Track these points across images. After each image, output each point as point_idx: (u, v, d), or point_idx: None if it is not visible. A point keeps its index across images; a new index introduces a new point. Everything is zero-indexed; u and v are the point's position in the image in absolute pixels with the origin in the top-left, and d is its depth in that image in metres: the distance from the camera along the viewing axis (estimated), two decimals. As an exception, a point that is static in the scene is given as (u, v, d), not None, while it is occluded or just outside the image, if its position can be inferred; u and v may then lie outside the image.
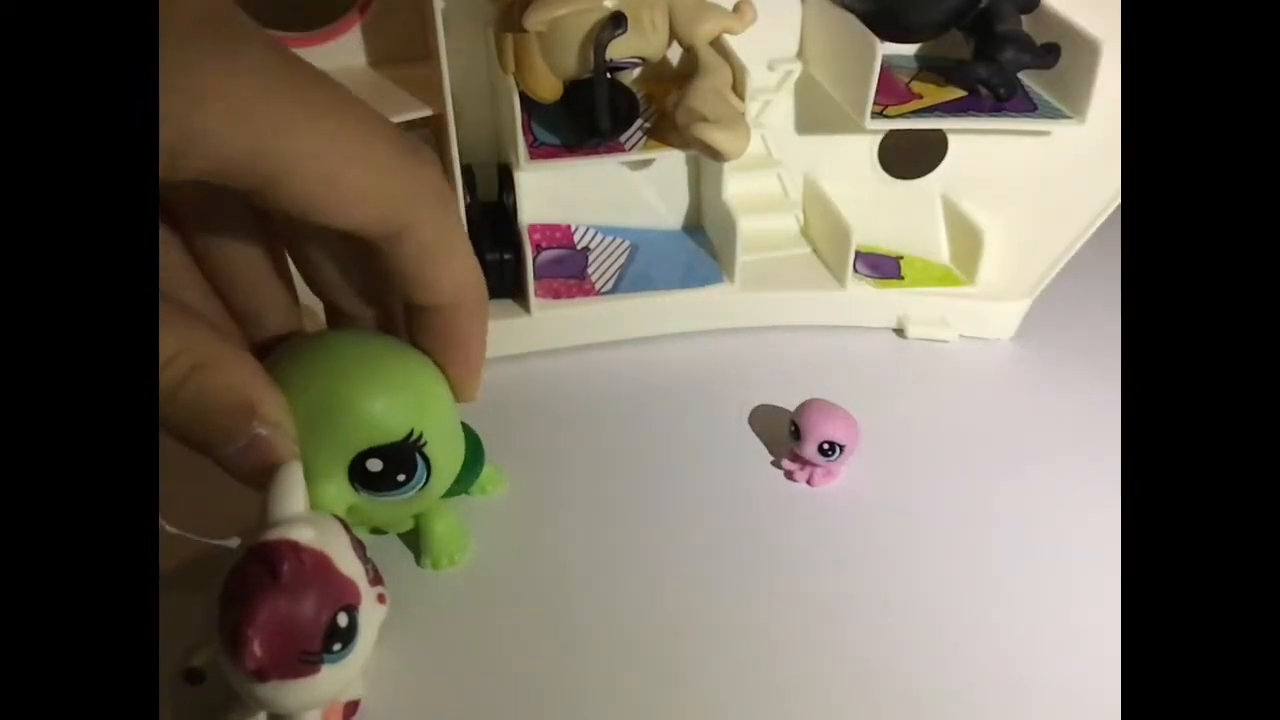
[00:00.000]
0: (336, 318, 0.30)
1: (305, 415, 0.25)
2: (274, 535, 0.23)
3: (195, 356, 0.23)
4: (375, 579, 0.26)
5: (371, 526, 0.31)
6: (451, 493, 0.30)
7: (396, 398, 0.26)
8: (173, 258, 0.27)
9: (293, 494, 0.24)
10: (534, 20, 0.32)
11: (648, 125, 0.37)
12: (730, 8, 0.36)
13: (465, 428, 0.31)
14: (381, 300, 0.29)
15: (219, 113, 0.21)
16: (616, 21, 0.33)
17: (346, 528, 0.25)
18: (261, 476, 0.25)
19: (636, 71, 0.39)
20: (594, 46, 0.33)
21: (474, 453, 0.31)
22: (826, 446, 0.33)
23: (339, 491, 0.26)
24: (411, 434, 0.26)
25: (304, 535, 0.23)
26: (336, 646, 0.23)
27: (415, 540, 0.31)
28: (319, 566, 0.23)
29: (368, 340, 0.28)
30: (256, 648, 0.22)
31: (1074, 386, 0.39)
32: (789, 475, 0.35)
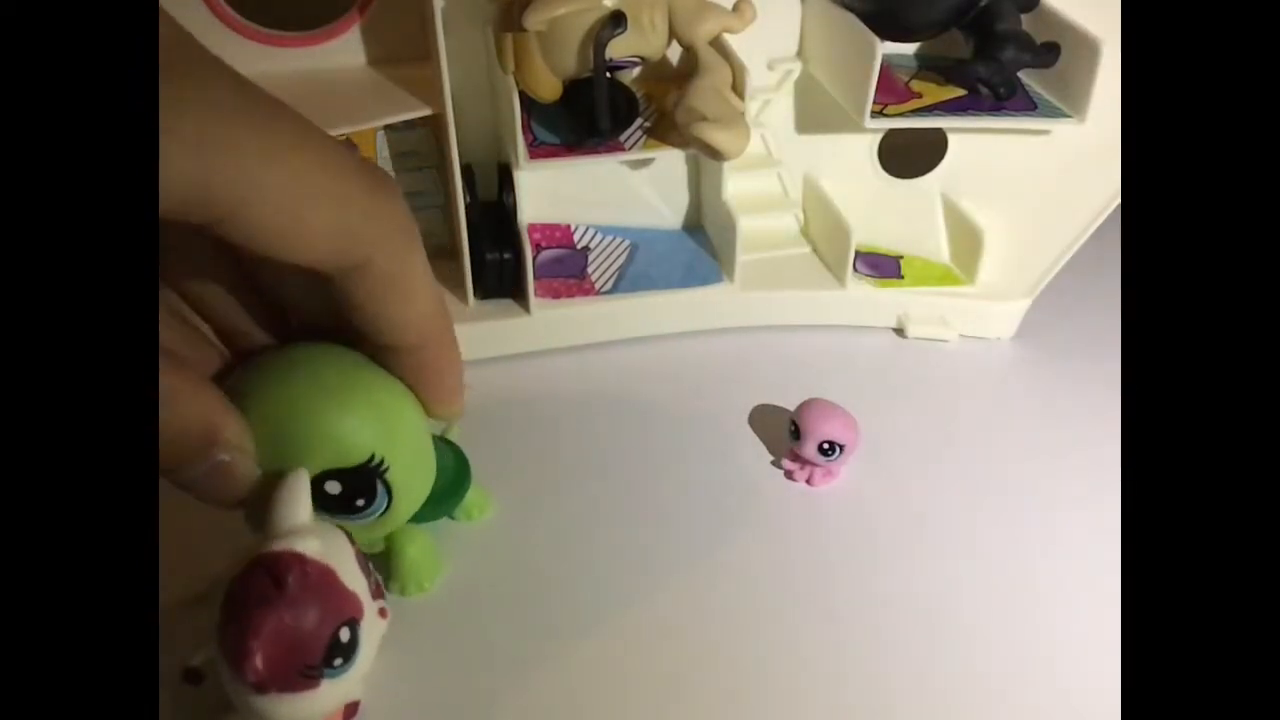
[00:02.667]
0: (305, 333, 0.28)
1: (266, 433, 0.25)
2: (280, 546, 0.23)
3: (159, 388, 0.22)
4: (378, 592, 0.25)
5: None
6: (431, 516, 0.29)
7: (358, 420, 0.25)
8: None
9: (299, 504, 0.24)
10: (534, 20, 0.32)
11: (647, 125, 0.37)
12: (730, 7, 0.36)
13: (453, 448, 0.30)
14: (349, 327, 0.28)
15: (168, 149, 0.20)
16: (616, 21, 0.33)
17: (351, 540, 0.25)
18: (222, 499, 0.24)
19: (636, 71, 0.39)
20: (594, 46, 0.33)
21: (458, 475, 0.30)
22: (826, 446, 0.33)
23: None
24: (372, 459, 0.25)
25: (310, 547, 0.23)
26: (337, 661, 0.23)
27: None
28: (324, 580, 0.23)
29: (334, 357, 0.26)
30: (259, 660, 0.21)
31: (1074, 386, 0.39)
32: (789, 475, 0.35)
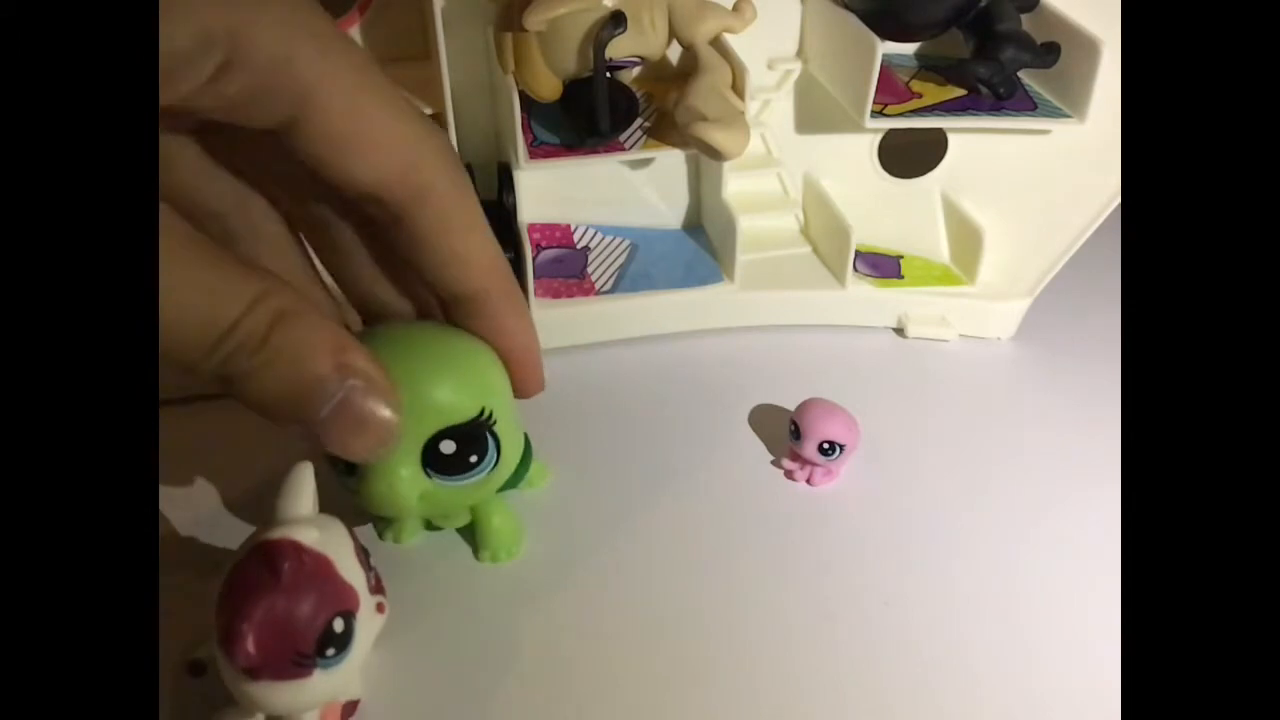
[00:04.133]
0: (371, 316, 0.29)
1: None
2: (278, 534, 0.23)
3: (280, 301, 0.22)
4: (376, 587, 0.26)
5: (430, 520, 0.31)
6: (504, 487, 0.30)
7: (465, 378, 0.27)
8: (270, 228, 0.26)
9: (302, 494, 0.24)
10: (534, 19, 0.32)
11: (647, 124, 0.37)
12: (730, 7, 0.36)
13: None
14: (414, 293, 0.29)
15: (268, 22, 0.21)
16: (616, 21, 0.33)
17: (352, 533, 0.25)
18: (358, 438, 0.23)
19: (636, 71, 0.39)
20: (594, 46, 0.33)
21: (526, 443, 0.31)
22: (826, 446, 0.33)
23: (412, 476, 0.27)
24: (483, 412, 0.27)
25: (308, 536, 0.23)
26: (330, 651, 0.23)
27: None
28: (320, 569, 0.23)
29: (421, 327, 0.28)
30: (250, 644, 0.22)
31: (1074, 386, 0.39)
32: (789, 475, 0.35)
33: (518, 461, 0.29)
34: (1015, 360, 0.41)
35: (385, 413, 0.23)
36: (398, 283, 0.28)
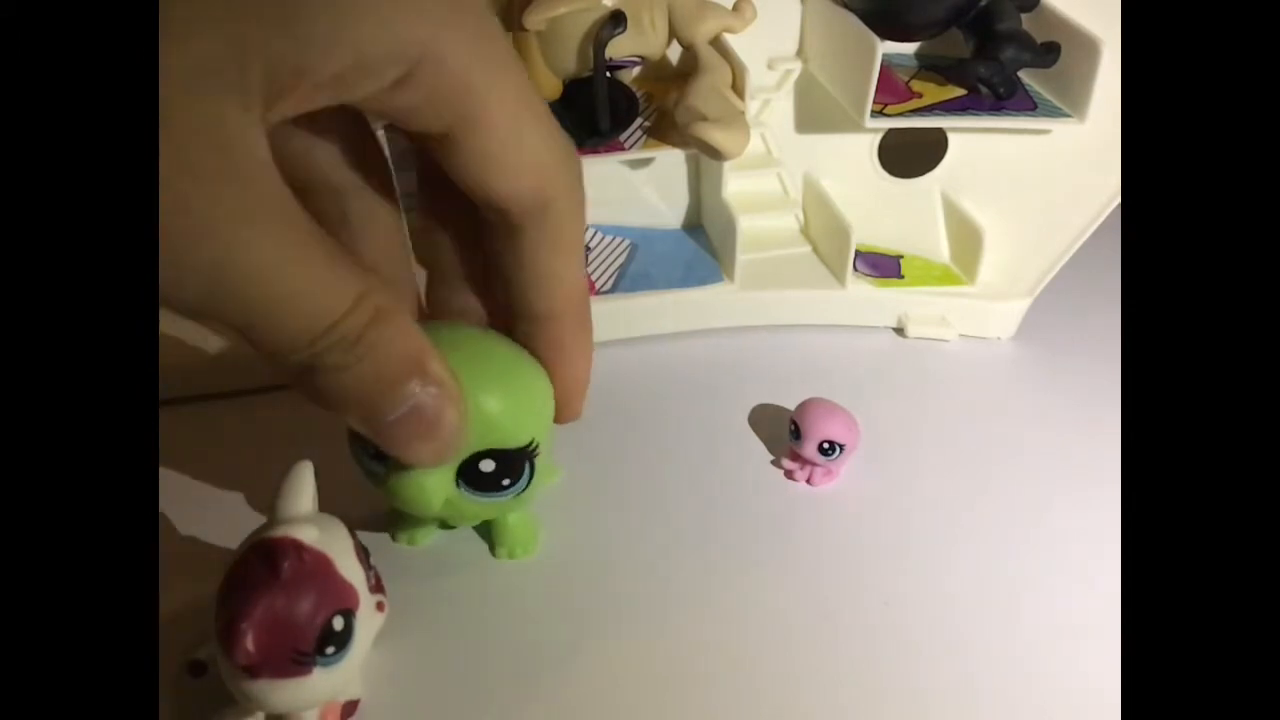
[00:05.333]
0: (438, 312, 0.29)
1: None
2: (278, 532, 0.23)
3: (378, 301, 0.22)
4: (376, 586, 0.26)
5: (444, 522, 0.31)
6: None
7: (523, 404, 0.26)
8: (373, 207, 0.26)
9: (302, 493, 0.24)
10: (533, 19, 0.32)
11: (647, 124, 0.37)
12: (730, 7, 0.36)
13: None
14: (488, 298, 0.28)
15: (457, 42, 0.21)
16: (616, 20, 0.33)
17: (351, 532, 0.25)
18: (424, 444, 0.24)
19: (636, 70, 0.39)
20: (593, 45, 0.33)
21: None
22: (826, 446, 0.33)
23: (442, 484, 0.27)
24: (531, 442, 0.27)
25: (308, 535, 0.23)
26: (330, 650, 0.23)
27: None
28: (320, 567, 0.23)
29: (488, 339, 0.27)
30: (249, 642, 0.22)
31: (1074, 386, 0.39)
32: (789, 475, 0.35)
33: (543, 483, 0.29)
34: (1015, 360, 0.41)
35: (455, 423, 0.24)
36: (477, 285, 0.28)
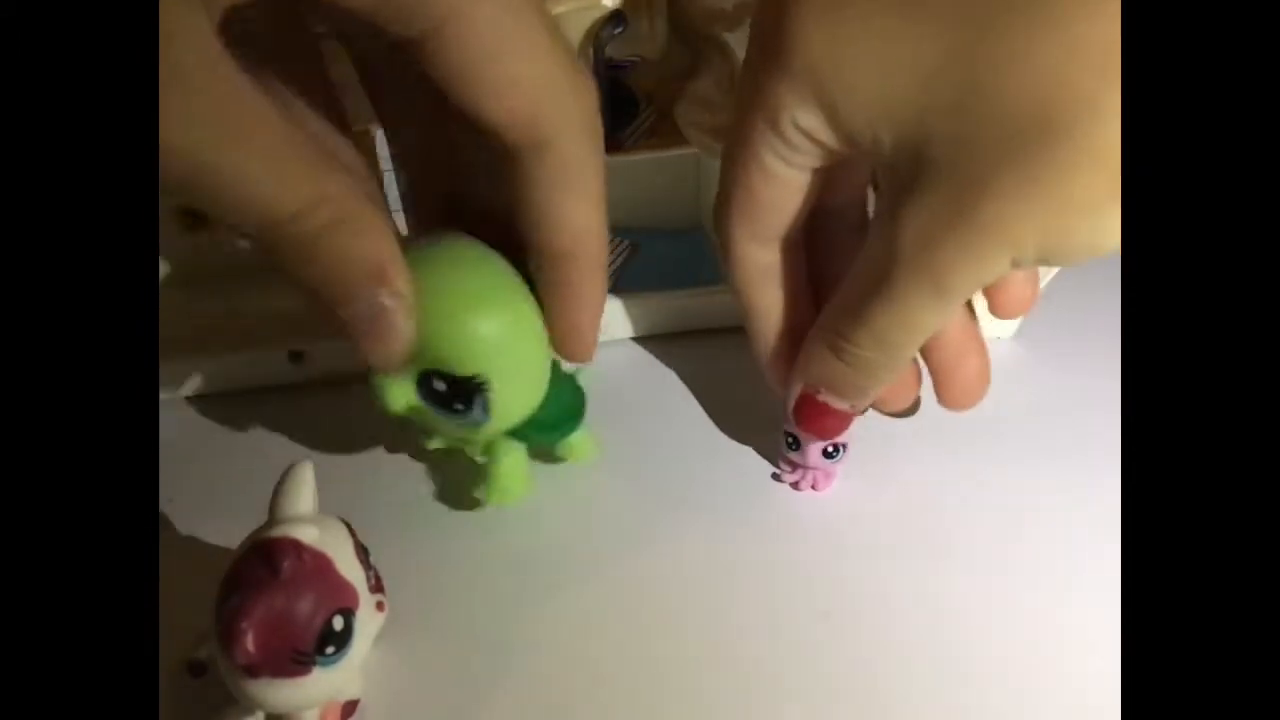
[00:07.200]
0: (456, 215, 0.28)
1: None
2: (278, 532, 0.23)
3: (337, 210, 0.22)
4: (376, 586, 0.26)
5: (443, 441, 0.31)
6: (539, 441, 0.30)
7: (476, 334, 0.26)
8: (323, 95, 0.26)
9: (302, 493, 0.24)
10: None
11: (647, 125, 0.37)
12: (730, 7, 0.36)
13: (575, 386, 0.32)
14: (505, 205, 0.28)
15: None
16: (616, 20, 0.33)
17: (351, 532, 0.25)
18: (370, 346, 0.24)
19: (636, 70, 0.39)
20: (593, 45, 0.33)
21: (571, 407, 0.31)
22: (830, 449, 0.33)
23: (401, 389, 0.27)
24: (475, 378, 0.27)
25: (308, 534, 0.23)
26: (330, 649, 0.23)
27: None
28: (320, 566, 0.23)
29: (485, 263, 0.27)
30: (249, 642, 0.22)
31: (1074, 386, 0.39)
32: (795, 486, 0.34)
33: (520, 420, 0.29)
34: (1015, 360, 0.41)
35: (401, 335, 0.24)
36: (495, 195, 0.28)
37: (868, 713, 0.27)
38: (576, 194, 0.25)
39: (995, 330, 0.42)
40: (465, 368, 0.27)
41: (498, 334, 0.27)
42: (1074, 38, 0.20)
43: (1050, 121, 0.21)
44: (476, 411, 0.28)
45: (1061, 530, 0.33)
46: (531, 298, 0.28)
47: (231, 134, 0.20)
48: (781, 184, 0.27)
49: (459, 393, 0.27)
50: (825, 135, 0.25)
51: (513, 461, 0.31)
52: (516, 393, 0.28)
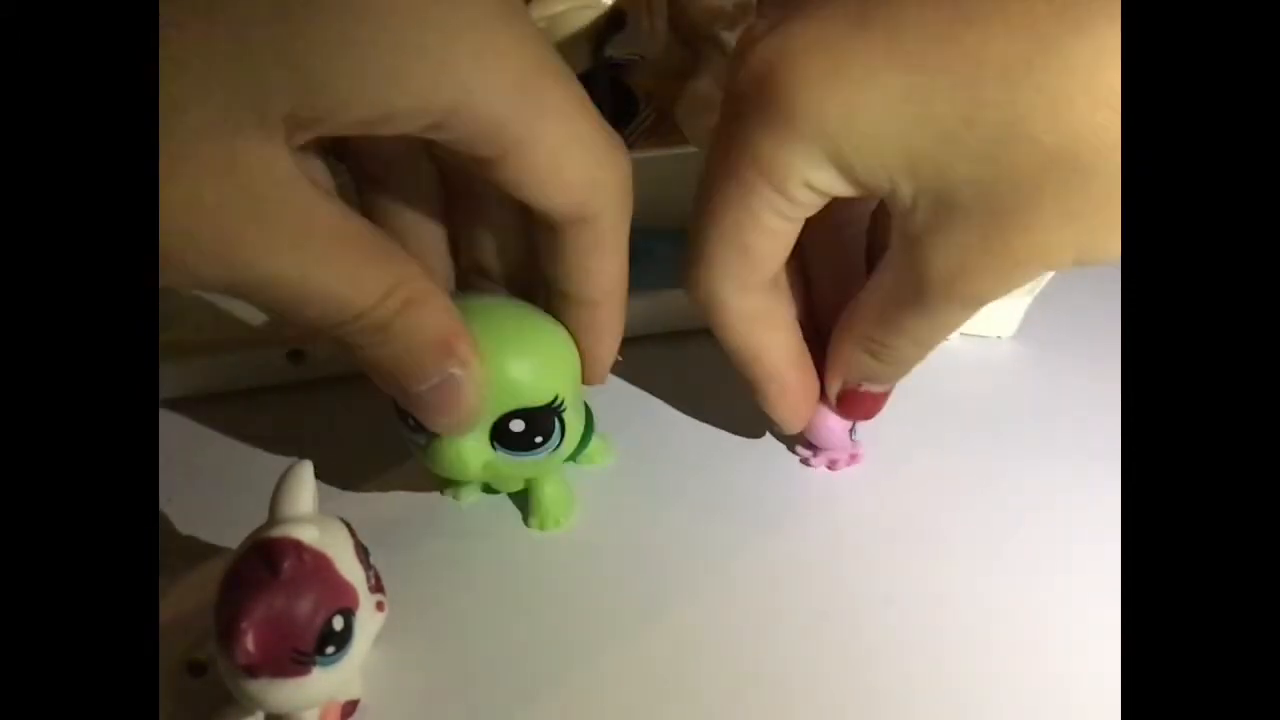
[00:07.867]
0: (474, 279, 0.30)
1: None
2: (278, 532, 0.23)
3: (410, 291, 0.23)
4: (376, 586, 0.26)
5: (486, 485, 0.32)
6: (570, 460, 0.31)
7: (544, 363, 0.28)
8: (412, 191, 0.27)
9: (302, 493, 0.24)
10: (533, 17, 0.32)
11: (647, 125, 0.37)
12: (730, 6, 0.36)
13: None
14: (523, 280, 0.29)
15: (492, 87, 0.21)
16: (616, 19, 0.33)
17: (351, 531, 0.25)
18: (445, 417, 0.26)
19: (636, 70, 0.39)
20: (593, 44, 0.33)
21: (590, 424, 0.32)
22: (853, 428, 0.33)
23: (478, 447, 0.28)
24: (555, 400, 0.28)
25: (308, 534, 0.23)
26: (330, 649, 0.23)
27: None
28: (320, 567, 0.23)
29: (512, 305, 0.29)
30: (249, 642, 0.22)
31: (1075, 385, 0.39)
32: (831, 466, 0.35)
33: (578, 442, 0.30)
34: (1015, 360, 0.41)
35: (472, 401, 0.26)
36: (514, 268, 0.29)
37: (868, 713, 0.27)
38: (610, 255, 0.27)
39: (995, 330, 0.42)
40: (543, 395, 0.28)
41: (564, 354, 0.29)
42: (1099, 85, 0.21)
43: (1081, 160, 0.22)
44: (555, 437, 0.29)
45: (1061, 529, 0.33)
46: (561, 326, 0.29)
47: (314, 256, 0.21)
48: (778, 235, 0.27)
49: (539, 426, 0.28)
50: (839, 188, 0.25)
51: (555, 486, 0.32)
52: (576, 408, 0.29)
